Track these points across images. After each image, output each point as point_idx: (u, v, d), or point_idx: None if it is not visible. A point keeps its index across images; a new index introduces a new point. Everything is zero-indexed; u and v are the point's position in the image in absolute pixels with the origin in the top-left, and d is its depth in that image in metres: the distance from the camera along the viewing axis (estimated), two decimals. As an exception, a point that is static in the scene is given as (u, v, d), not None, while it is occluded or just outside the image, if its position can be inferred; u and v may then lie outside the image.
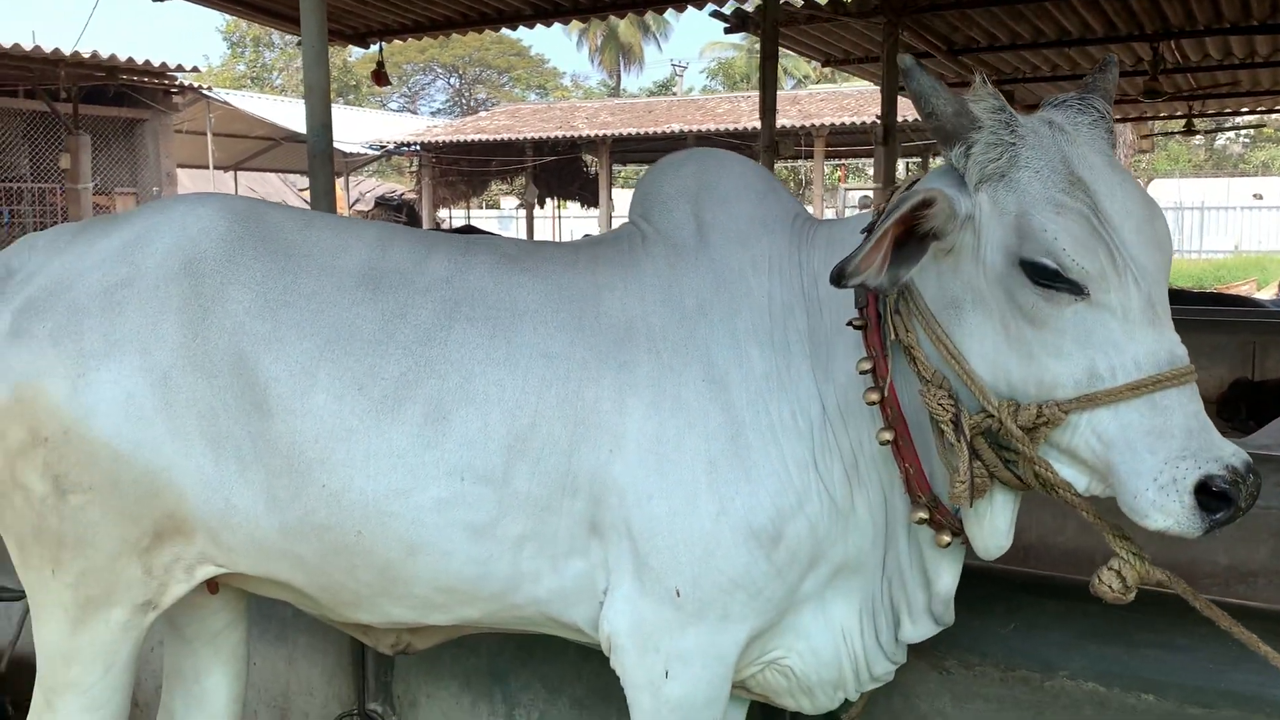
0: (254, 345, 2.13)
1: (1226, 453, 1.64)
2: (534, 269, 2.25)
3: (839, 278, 1.81)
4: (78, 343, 2.12)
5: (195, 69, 17.19)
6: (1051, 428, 1.77)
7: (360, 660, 3.32)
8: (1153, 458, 1.67)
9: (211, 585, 2.41)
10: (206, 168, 20.79)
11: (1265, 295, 16.73)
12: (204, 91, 19.60)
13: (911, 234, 1.83)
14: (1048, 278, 1.73)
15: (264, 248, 2.21)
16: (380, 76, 10.20)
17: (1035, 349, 1.77)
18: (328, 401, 2.10)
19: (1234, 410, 8.62)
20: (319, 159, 4.21)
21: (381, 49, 9.69)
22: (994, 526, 1.97)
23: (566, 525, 2.12)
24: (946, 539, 2.02)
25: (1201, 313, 8.34)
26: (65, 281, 2.18)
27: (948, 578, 2.14)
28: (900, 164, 16.87)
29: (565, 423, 2.09)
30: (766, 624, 2.16)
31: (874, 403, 2.00)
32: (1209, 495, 1.63)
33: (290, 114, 21.65)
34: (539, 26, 8.43)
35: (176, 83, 17.43)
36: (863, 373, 2.02)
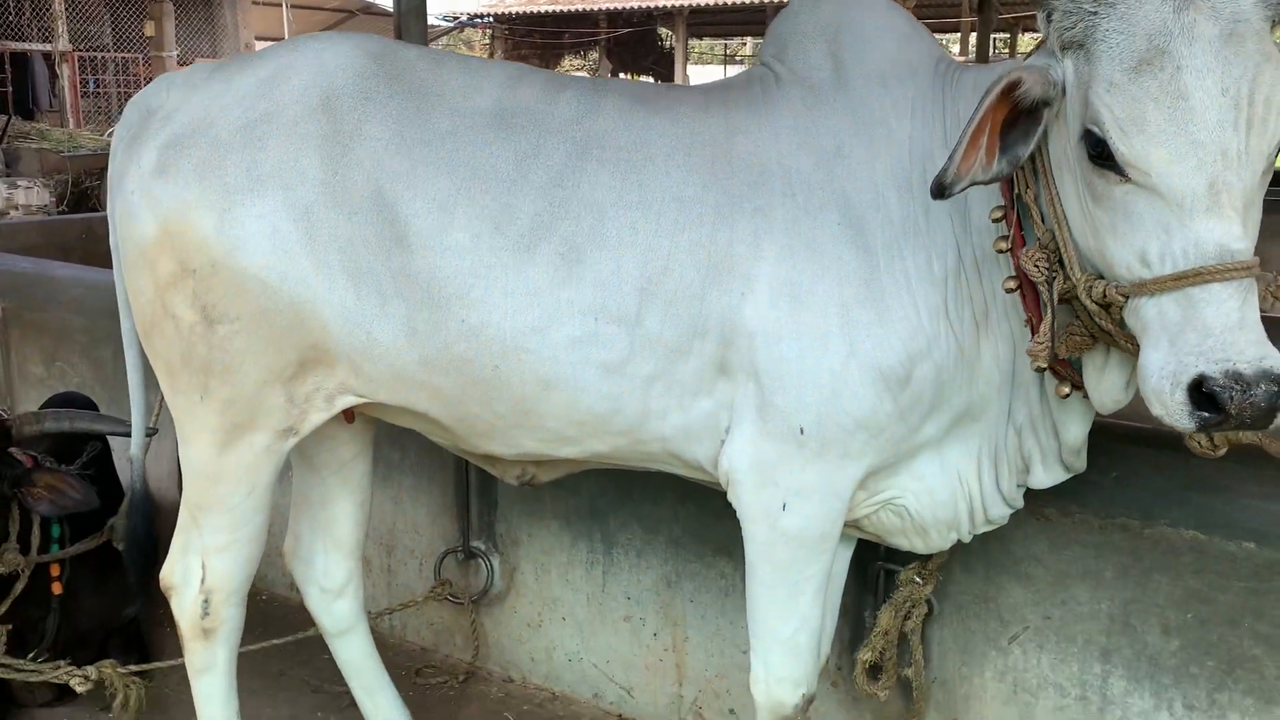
0: (392, 182, 2.18)
1: (1243, 357, 1.55)
2: (664, 111, 2.24)
3: (939, 190, 1.80)
4: (221, 178, 2.21)
5: (272, -62, 17.07)
6: (1119, 308, 1.76)
7: (465, 501, 3.48)
8: (1170, 349, 1.62)
9: (348, 415, 2.54)
10: (283, 38, 20.78)
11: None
12: (280, -39, 19.47)
13: (1019, 110, 1.80)
14: (1099, 154, 1.68)
15: (399, 85, 2.25)
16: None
17: (1099, 225, 1.75)
18: (466, 239, 2.16)
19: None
20: (410, 15, 4.22)
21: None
22: (1111, 382, 1.99)
23: (695, 366, 2.17)
24: (1066, 390, 2.04)
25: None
26: (207, 118, 2.25)
27: (1075, 429, 2.17)
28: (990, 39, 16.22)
29: (698, 267, 2.12)
30: (883, 464, 2.21)
31: (1002, 251, 2.01)
32: (1202, 396, 1.57)
33: (367, -17, 21.43)
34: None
35: (253, -48, 17.34)
36: (994, 221, 2.02)
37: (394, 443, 3.62)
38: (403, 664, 3.57)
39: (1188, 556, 2.39)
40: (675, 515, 3.12)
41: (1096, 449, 2.32)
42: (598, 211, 2.16)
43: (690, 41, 25.70)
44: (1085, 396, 2.06)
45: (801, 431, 2.13)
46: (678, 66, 23.23)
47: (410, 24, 4.31)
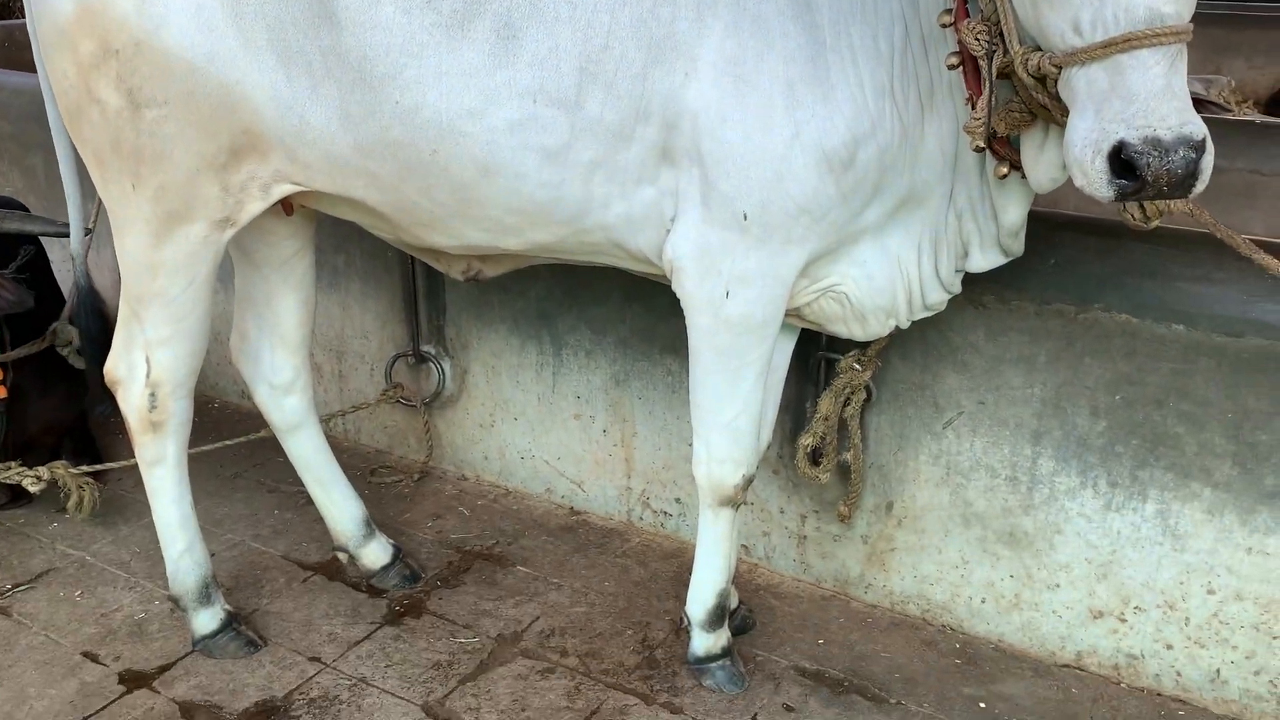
0: None
1: (1165, 123, 1.54)
2: None
3: None
4: None
5: None
6: (1054, 80, 1.72)
7: (413, 305, 3.47)
8: (1095, 117, 1.60)
9: (287, 206, 2.50)
10: None
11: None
12: None
13: None
14: None
15: None
16: None
17: None
18: (396, 14, 2.07)
19: (1284, 107, 8.40)
20: None
21: None
22: (1049, 160, 1.97)
23: (638, 152, 2.13)
24: (1004, 170, 2.04)
25: (1259, 7, 7.94)
26: None
27: (1014, 210, 2.17)
28: None
29: (640, 44, 2.05)
30: (825, 249, 2.21)
31: (946, 25, 1.97)
32: (1121, 164, 1.56)
33: None
34: None
35: None
36: None
37: (339, 248, 3.58)
38: (358, 465, 3.63)
39: (1119, 340, 2.45)
40: (622, 316, 3.13)
41: (1036, 236, 2.34)
42: None
43: None
44: (1024, 177, 2.06)
45: (745, 217, 2.12)
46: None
47: None
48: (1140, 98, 1.57)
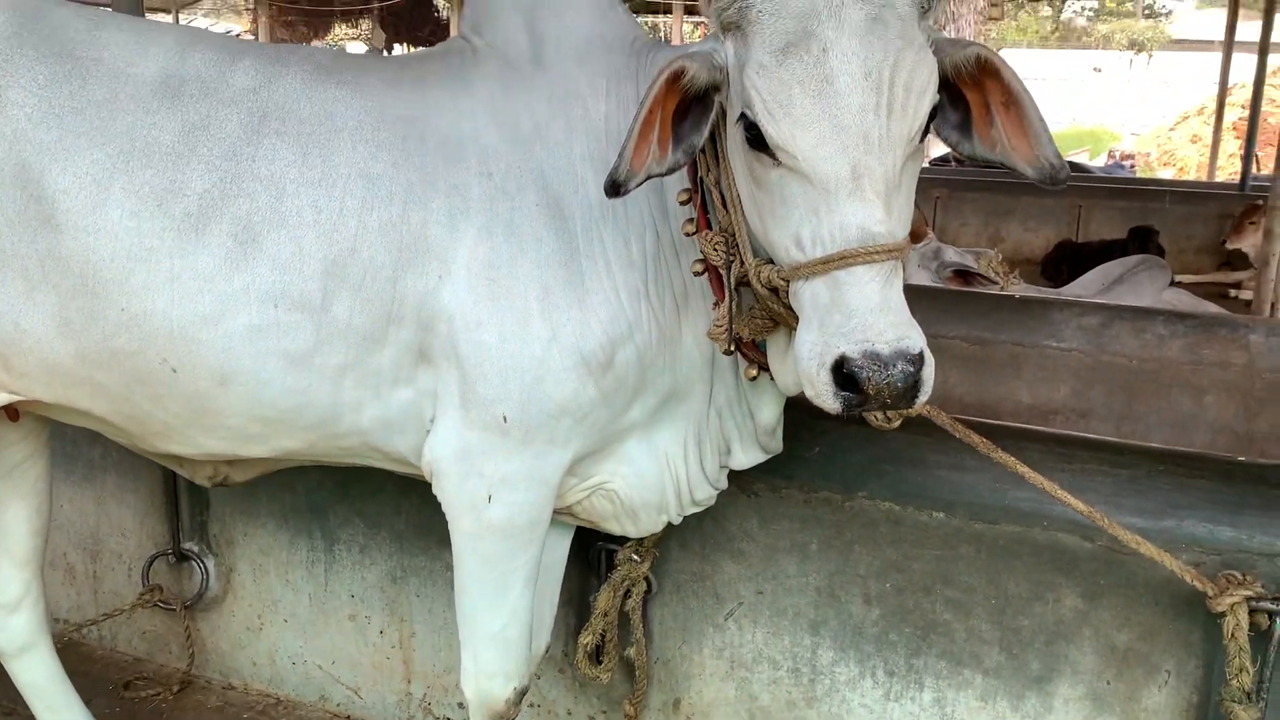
0: (38, 155, 1.96)
1: (882, 338, 1.55)
2: (353, 83, 2.11)
3: (613, 189, 1.73)
4: None
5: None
6: (784, 291, 1.75)
7: (174, 499, 3.23)
8: (819, 330, 1.62)
9: (11, 413, 2.30)
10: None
11: (1095, 163, 17.51)
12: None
13: (690, 97, 1.75)
14: (754, 137, 1.66)
15: (48, 48, 2.02)
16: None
17: (762, 209, 1.74)
18: (124, 218, 1.96)
19: (1057, 270, 9.07)
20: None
21: None
22: (792, 365, 1.98)
23: (392, 354, 2.06)
24: (753, 373, 2.05)
25: (1032, 176, 8.56)
26: None
27: (767, 410, 2.19)
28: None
29: (389, 248, 2.01)
30: (590, 449, 2.17)
31: (690, 234, 1.99)
32: (844, 376, 1.57)
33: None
34: None
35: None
36: (682, 204, 2.00)
37: (94, 439, 3.29)
38: (111, 677, 3.30)
39: (885, 527, 2.47)
40: (398, 509, 2.99)
41: (800, 425, 2.36)
42: (276, 188, 2.01)
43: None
44: (773, 379, 2.07)
45: (505, 419, 2.06)
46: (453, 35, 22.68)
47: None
48: (858, 313, 1.58)
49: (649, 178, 1.76)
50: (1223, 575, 2.13)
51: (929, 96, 1.64)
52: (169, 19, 21.59)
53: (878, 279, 1.59)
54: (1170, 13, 42.57)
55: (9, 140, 1.96)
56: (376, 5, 22.81)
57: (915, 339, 1.59)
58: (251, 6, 24.57)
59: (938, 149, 12.93)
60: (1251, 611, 2.09)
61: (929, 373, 1.61)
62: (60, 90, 2.00)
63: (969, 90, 1.74)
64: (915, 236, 5.29)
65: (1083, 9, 41.28)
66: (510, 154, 2.05)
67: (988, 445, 2.05)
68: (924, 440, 2.47)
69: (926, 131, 1.69)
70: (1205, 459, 2.43)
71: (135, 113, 2.01)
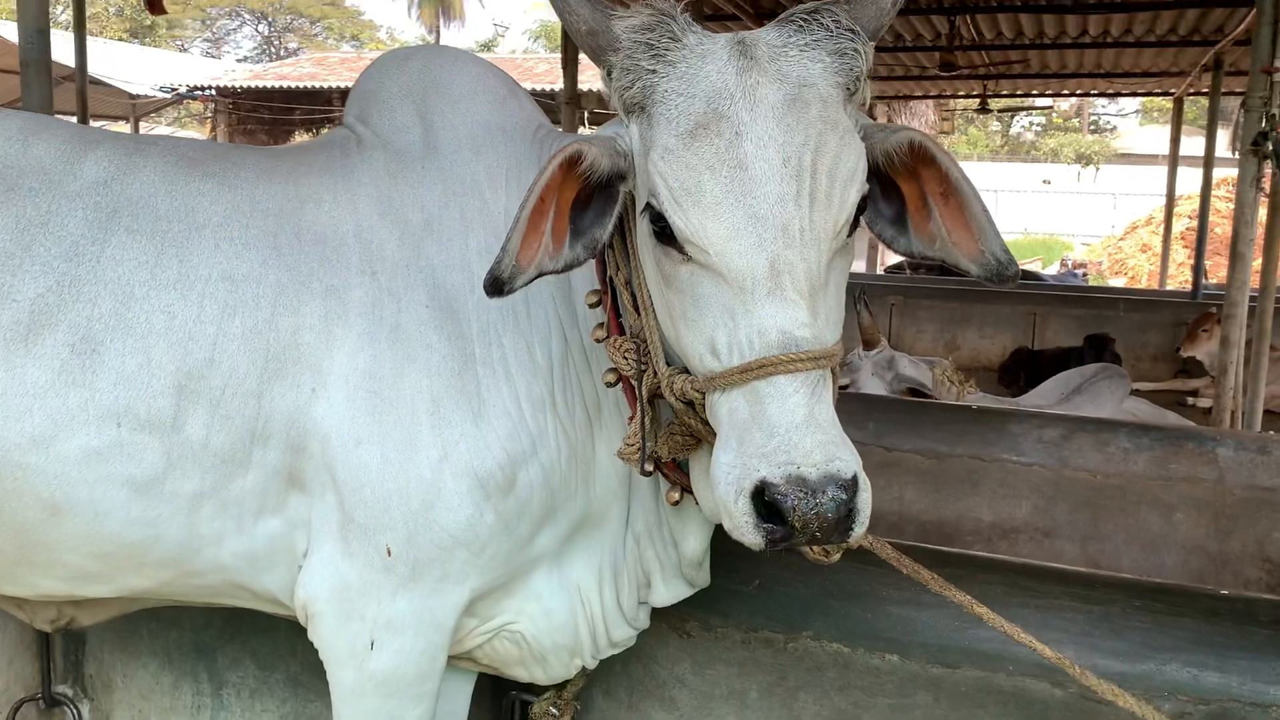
0: None
1: (809, 459, 1.35)
2: (219, 175, 1.91)
3: (495, 287, 1.53)
4: None
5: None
6: (700, 405, 1.54)
7: (44, 638, 2.90)
8: (737, 451, 1.40)
9: None
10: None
11: (1048, 272, 17.74)
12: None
13: (592, 186, 1.58)
14: (662, 230, 1.48)
15: None
16: (154, 3, 9.31)
17: (673, 310, 1.54)
18: None
19: (1014, 377, 9.00)
20: (33, 69, 3.70)
21: (156, -28, 8.87)
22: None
23: (257, 479, 1.82)
24: (675, 496, 1.84)
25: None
26: None
27: (694, 539, 1.96)
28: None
29: (254, 358, 1.79)
30: (491, 584, 1.93)
31: (600, 340, 1.78)
32: (766, 505, 1.36)
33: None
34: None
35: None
36: (591, 306, 1.82)
37: (-40, 569, 2.99)
38: (-32, 842, 2.90)
39: (833, 672, 2.21)
40: (293, 648, 2.69)
41: (736, 554, 2.10)
42: (123, 292, 1.78)
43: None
44: (699, 503, 1.82)
45: (389, 552, 1.82)
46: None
47: (31, 79, 3.77)
48: (781, 430, 1.37)
49: (540, 274, 1.56)
50: (1212, 730, 1.88)
51: (856, 185, 1.47)
52: (128, 128, 21.65)
53: (803, 390, 1.38)
54: (1115, 128, 44.09)
55: None
56: (337, 114, 23.02)
57: (848, 461, 1.36)
58: (210, 115, 24.75)
59: (893, 256, 12.99)
60: (1248, 773, 1.83)
61: (865, 500, 1.39)
62: None
63: (903, 180, 1.58)
64: (869, 344, 5.13)
65: (1030, 123, 42.60)
66: (398, 250, 1.85)
67: (940, 582, 1.80)
68: (874, 571, 2.23)
69: (856, 224, 1.52)
70: (1186, 592, 2.20)
71: None
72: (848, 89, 1.51)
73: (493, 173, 1.92)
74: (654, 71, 1.50)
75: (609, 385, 1.79)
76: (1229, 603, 2.12)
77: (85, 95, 7.86)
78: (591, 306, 1.80)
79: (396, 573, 1.83)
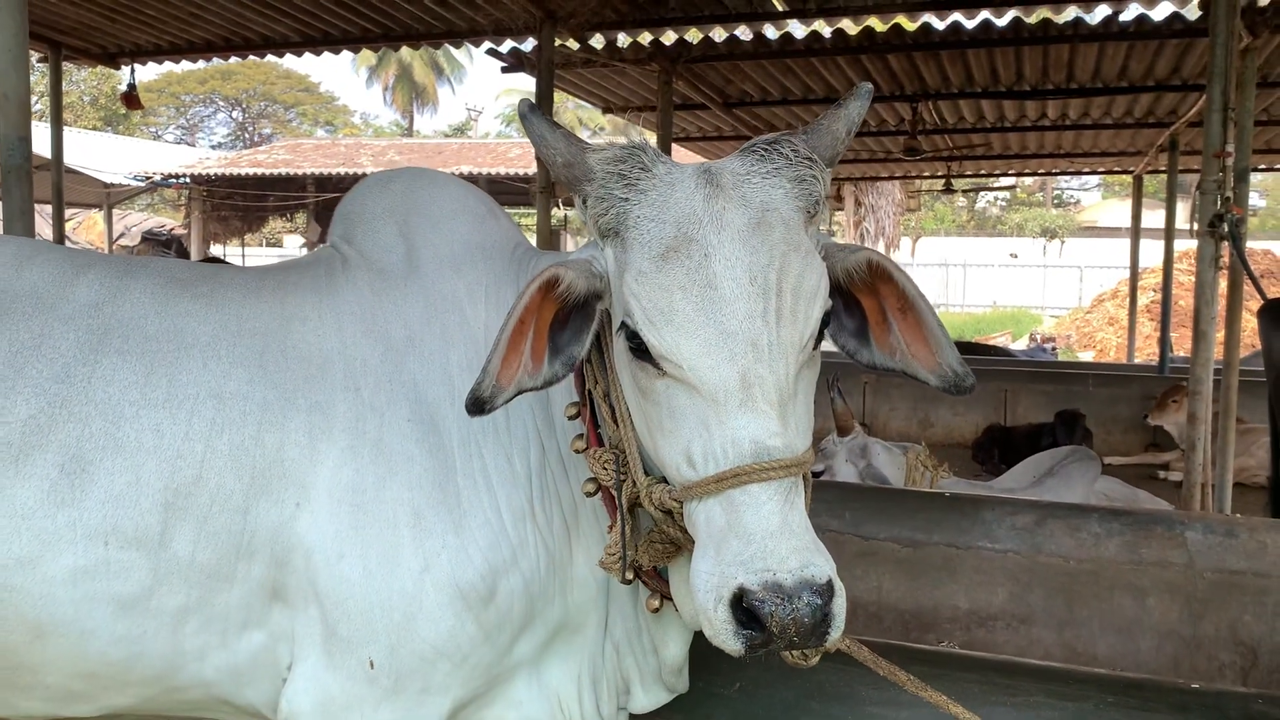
0: None
1: (784, 565, 1.38)
2: (208, 295, 1.97)
3: (477, 406, 1.60)
4: None
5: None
6: (679, 514, 1.59)
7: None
8: (714, 559, 1.44)
9: None
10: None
11: (1018, 346, 17.95)
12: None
13: (570, 306, 1.66)
14: (637, 347, 1.55)
15: None
16: (131, 99, 9.46)
17: (651, 422, 1.61)
18: None
19: (987, 454, 9.08)
20: (14, 175, 3.75)
21: (134, 70, 9.04)
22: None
23: (241, 593, 1.84)
24: (655, 604, 1.88)
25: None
26: None
27: (674, 646, 2.00)
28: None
29: (240, 474, 1.82)
30: (472, 694, 1.94)
31: (579, 451, 1.84)
32: (744, 612, 1.39)
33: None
34: (324, 55, 8.12)
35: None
36: (570, 418, 1.88)
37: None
38: None
39: (816, 778, 2.20)
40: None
41: (717, 655, 2.11)
42: (113, 412, 1.82)
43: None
44: (678, 610, 1.86)
45: (372, 665, 1.83)
46: (388, 231, 22.97)
47: (13, 184, 3.82)
48: (757, 537, 1.42)
49: (520, 392, 1.63)
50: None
51: (820, 301, 1.56)
52: (101, 216, 21.71)
53: (776, 498, 1.44)
54: (1079, 201, 45.04)
55: None
56: (311, 200, 23.23)
57: (822, 566, 1.41)
58: (184, 203, 24.90)
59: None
60: None
61: (840, 605, 1.43)
62: None
63: (864, 296, 1.67)
64: (842, 430, 5.20)
65: (996, 199, 43.48)
66: (381, 366, 1.91)
67: (916, 683, 1.84)
68: (854, 672, 2.24)
69: (820, 338, 1.60)
70: (1159, 686, 2.23)
71: None
72: (808, 212, 1.60)
73: (473, 290, 1.98)
74: (626, 199, 1.59)
75: (588, 495, 1.84)
76: (1199, 696, 2.15)
77: (61, 187, 7.96)
78: (570, 418, 1.86)
79: (380, 685, 1.84)
